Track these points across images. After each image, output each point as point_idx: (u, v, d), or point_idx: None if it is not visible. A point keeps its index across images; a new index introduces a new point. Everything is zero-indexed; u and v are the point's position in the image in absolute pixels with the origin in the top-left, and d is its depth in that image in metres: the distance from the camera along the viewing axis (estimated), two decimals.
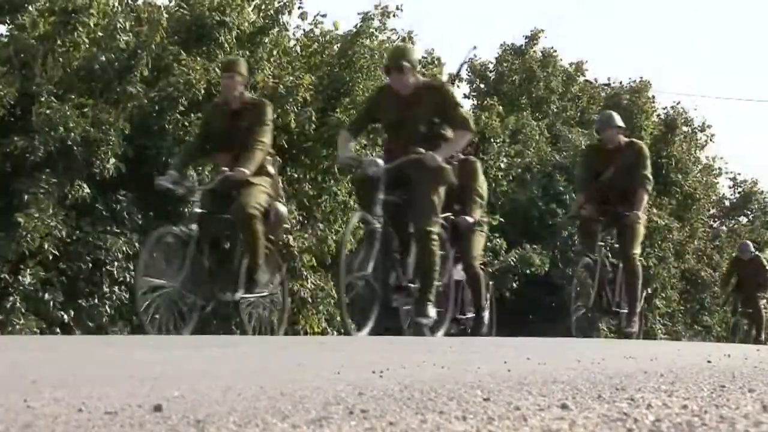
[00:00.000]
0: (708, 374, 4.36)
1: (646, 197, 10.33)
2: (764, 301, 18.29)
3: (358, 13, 15.22)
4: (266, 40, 13.87)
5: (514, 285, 16.87)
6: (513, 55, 23.84)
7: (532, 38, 23.90)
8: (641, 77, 24.94)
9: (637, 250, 10.35)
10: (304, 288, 13.20)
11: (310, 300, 13.31)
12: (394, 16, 15.35)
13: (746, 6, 73.07)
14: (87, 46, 11.92)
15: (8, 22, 11.93)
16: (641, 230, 10.23)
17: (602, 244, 10.19)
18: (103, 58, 11.88)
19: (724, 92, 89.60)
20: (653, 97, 24.67)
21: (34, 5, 11.83)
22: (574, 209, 10.67)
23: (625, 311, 10.38)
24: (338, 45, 14.95)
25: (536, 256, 17.09)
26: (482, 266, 10.65)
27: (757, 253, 19.01)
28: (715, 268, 23.59)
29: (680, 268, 21.92)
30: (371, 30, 15.13)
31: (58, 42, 11.70)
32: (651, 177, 10.28)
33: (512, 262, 16.85)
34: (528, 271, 16.93)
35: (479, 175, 10.27)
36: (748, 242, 19.72)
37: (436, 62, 16.61)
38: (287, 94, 13.10)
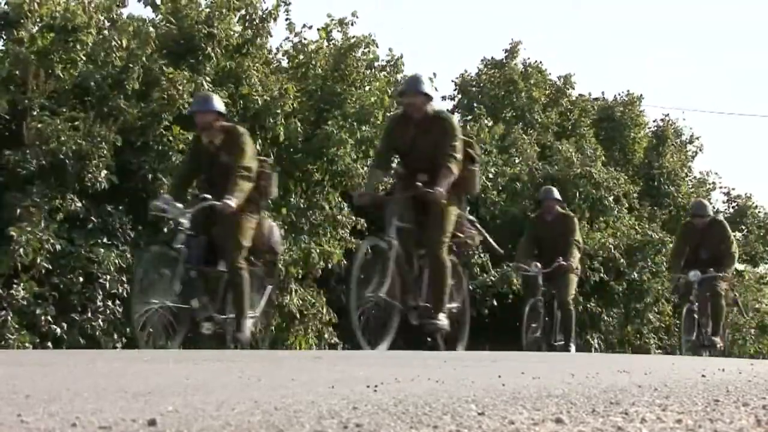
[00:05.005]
0: (702, 388, 4.36)
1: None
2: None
3: (319, 29, 15.23)
4: (252, 50, 13.88)
5: (494, 303, 16.62)
6: (493, 69, 23.88)
7: (512, 51, 23.95)
8: (628, 90, 25.07)
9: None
10: (292, 303, 13.15)
11: (297, 315, 13.25)
12: (352, 24, 15.38)
13: (738, 18, 73.33)
14: (83, 62, 11.93)
15: (4, 36, 11.93)
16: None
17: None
18: (98, 76, 11.91)
19: (716, 107, 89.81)
20: (643, 111, 24.78)
21: (33, 20, 11.83)
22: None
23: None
24: (328, 56, 14.94)
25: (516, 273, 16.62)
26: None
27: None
28: None
29: None
30: (367, 42, 15.16)
31: (56, 58, 11.71)
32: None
33: (490, 282, 16.57)
34: (510, 290, 16.59)
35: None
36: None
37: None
38: (272, 104, 13.12)
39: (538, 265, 12.88)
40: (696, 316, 13.41)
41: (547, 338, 12.91)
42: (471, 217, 9.90)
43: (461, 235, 9.46)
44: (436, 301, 8.94)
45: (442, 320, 8.99)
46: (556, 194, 13.50)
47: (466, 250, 10.11)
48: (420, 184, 8.73)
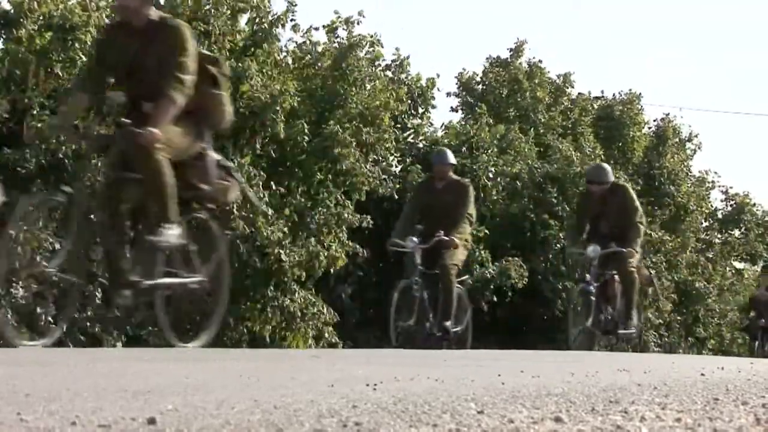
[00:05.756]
0: (701, 387, 4.37)
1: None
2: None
3: (323, 27, 15.23)
4: (258, 52, 13.87)
5: (494, 298, 16.63)
6: (499, 68, 23.90)
7: (517, 50, 23.96)
8: (630, 89, 25.09)
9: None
10: (293, 303, 13.15)
11: (299, 314, 13.25)
12: (358, 23, 15.36)
13: (738, 18, 73.34)
14: (83, 61, 11.93)
15: (4, 36, 11.93)
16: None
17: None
18: None
19: (715, 106, 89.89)
20: (642, 109, 24.82)
21: (32, 20, 11.84)
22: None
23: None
24: (331, 56, 14.94)
25: (514, 268, 16.55)
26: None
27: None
28: (708, 279, 23.61)
29: (674, 279, 21.94)
30: (367, 42, 15.16)
31: (55, 57, 11.71)
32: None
33: (489, 275, 16.50)
34: (507, 284, 16.54)
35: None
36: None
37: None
38: (273, 102, 13.10)
39: (415, 239, 10.88)
40: (593, 298, 11.37)
41: (429, 327, 10.87)
42: (228, 163, 7.41)
43: (206, 186, 6.97)
44: (158, 212, 6.72)
45: (165, 236, 6.74)
46: (451, 158, 11.54)
47: (219, 205, 7.33)
48: (127, 120, 6.59)
